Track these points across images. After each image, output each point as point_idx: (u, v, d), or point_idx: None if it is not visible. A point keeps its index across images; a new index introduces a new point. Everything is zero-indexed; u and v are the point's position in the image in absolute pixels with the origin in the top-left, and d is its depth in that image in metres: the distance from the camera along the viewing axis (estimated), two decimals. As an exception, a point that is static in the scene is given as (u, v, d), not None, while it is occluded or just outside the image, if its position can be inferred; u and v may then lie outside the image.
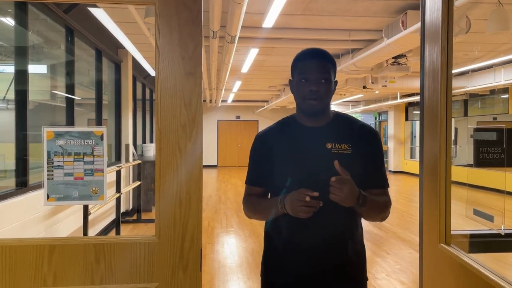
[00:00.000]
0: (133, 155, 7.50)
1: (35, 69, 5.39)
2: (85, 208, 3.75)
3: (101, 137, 1.40)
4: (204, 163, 17.62)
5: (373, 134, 1.51)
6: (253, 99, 15.71)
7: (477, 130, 1.63)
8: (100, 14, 4.20)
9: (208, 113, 17.55)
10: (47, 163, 1.36)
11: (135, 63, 7.72)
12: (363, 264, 1.52)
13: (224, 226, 6.23)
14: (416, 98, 11.80)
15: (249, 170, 1.59)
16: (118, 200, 5.14)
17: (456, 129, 13.22)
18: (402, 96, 12.50)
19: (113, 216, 5.47)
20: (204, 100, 15.14)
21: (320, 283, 1.43)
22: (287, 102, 13.50)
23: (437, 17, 1.39)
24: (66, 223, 4.05)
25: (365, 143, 1.46)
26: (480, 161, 1.62)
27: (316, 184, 1.32)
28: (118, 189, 5.12)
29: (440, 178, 1.39)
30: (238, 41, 5.54)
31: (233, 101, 15.59)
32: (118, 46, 6.75)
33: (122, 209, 6.88)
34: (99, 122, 5.72)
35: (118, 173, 5.13)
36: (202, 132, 1.48)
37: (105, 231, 5.56)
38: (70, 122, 4.56)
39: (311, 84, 1.38)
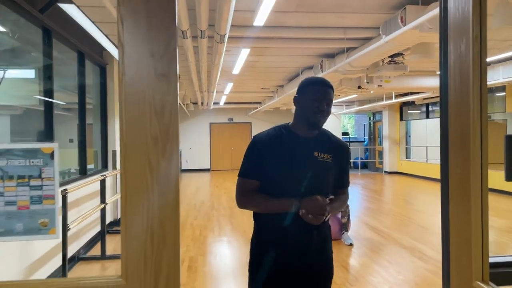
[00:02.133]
0: (121, 161, 7.18)
1: (22, 73, 5.11)
2: (64, 222, 3.45)
3: (51, 156, 1.12)
4: (197, 167, 17.33)
5: (346, 147, 1.88)
6: (246, 101, 15.45)
7: (510, 138, 1.37)
8: (76, 14, 3.91)
9: (200, 116, 17.26)
10: (-19, 190, 1.08)
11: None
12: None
13: (217, 235, 5.95)
14: (411, 98, 11.62)
15: (245, 164, 1.77)
16: (103, 212, 4.84)
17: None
18: (397, 96, 12.30)
19: (99, 228, 5.16)
20: (196, 103, 14.85)
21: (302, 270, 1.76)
22: (280, 103, 13.25)
23: (465, 2, 1.14)
24: (41, 243, 3.75)
25: (340, 154, 1.81)
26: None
27: (303, 184, 1.66)
28: (102, 200, 4.82)
29: (474, 201, 1.13)
30: (228, 40, 5.27)
31: (226, 103, 15.32)
32: (103, 48, 6.45)
33: (110, 219, 6.59)
34: (82, 127, 5.42)
35: (103, 183, 4.83)
36: (178, 147, 1.19)
37: (90, 243, 5.25)
38: (48, 129, 4.26)
39: (322, 104, 1.71)
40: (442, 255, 1.38)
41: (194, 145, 17.30)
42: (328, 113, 1.72)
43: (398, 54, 6.14)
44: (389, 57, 6.21)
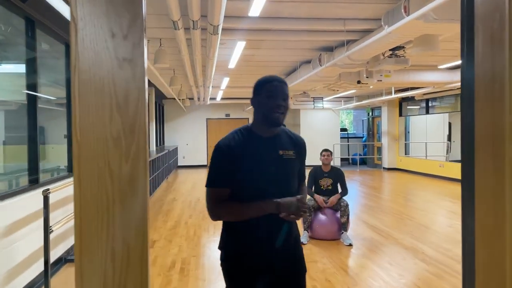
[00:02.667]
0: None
1: (14, 68, 4.90)
2: (45, 224, 3.23)
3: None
4: (194, 163, 17.12)
5: (303, 141, 1.92)
6: (243, 96, 15.22)
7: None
8: (58, 3, 3.68)
9: (197, 111, 17.02)
10: None
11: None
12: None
13: (212, 235, 5.74)
14: (411, 93, 11.41)
15: (213, 173, 1.74)
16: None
17: (450, 124, 12.89)
18: (397, 91, 12.10)
19: None
20: (192, 98, 14.61)
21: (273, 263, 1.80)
22: (277, 99, 13.04)
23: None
24: (25, 242, 3.54)
25: (300, 150, 1.86)
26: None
27: (273, 185, 1.71)
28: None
29: (510, 212, 0.92)
30: (222, 33, 5.04)
31: (222, 98, 15.09)
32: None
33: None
34: (70, 122, 5.19)
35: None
36: (146, 147, 0.98)
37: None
38: (32, 124, 4.04)
39: (279, 100, 1.71)
40: (463, 277, 1.17)
41: (191, 141, 17.08)
42: (286, 108, 1.73)
43: (399, 48, 5.92)
44: (389, 50, 6.00)
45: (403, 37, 4.43)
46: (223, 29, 5.12)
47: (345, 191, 5.39)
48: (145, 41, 0.96)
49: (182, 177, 13.60)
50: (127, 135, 0.93)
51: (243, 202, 1.69)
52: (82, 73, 0.91)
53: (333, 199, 5.26)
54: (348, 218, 5.26)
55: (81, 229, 0.93)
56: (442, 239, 5.37)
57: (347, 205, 5.25)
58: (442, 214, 7.11)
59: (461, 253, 1.21)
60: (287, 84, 1.79)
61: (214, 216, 1.75)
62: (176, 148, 16.49)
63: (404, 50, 6.24)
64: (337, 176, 5.45)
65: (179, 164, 17.00)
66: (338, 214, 5.31)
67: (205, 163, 17.39)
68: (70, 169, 5.16)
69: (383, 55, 6.35)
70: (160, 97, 14.55)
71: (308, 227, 5.33)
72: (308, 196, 5.47)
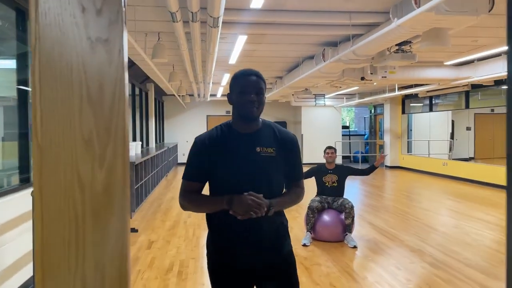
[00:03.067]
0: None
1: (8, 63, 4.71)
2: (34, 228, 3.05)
3: None
4: (194, 161, 16.91)
5: (293, 139, 1.83)
6: (244, 93, 15.00)
7: None
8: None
9: (197, 108, 16.82)
10: None
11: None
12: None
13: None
14: (415, 90, 11.21)
15: (189, 167, 1.78)
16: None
17: (453, 121, 12.69)
18: (400, 88, 11.90)
19: None
20: (192, 95, 14.41)
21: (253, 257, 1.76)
22: (279, 95, 12.83)
23: None
24: (12, 248, 3.35)
25: (287, 146, 1.78)
26: None
27: (249, 182, 1.66)
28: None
29: None
30: (223, 26, 4.85)
31: (223, 95, 14.87)
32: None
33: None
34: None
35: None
36: (126, 152, 0.79)
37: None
38: (24, 120, 3.85)
39: (250, 95, 1.68)
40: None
41: (191, 138, 16.71)
42: (259, 102, 1.70)
43: (406, 42, 5.72)
44: (396, 45, 5.79)
45: (413, 31, 4.24)
46: (223, 22, 4.92)
47: (367, 170, 5.38)
48: (124, 17, 0.77)
49: (181, 175, 13.41)
50: (102, 136, 0.74)
51: (217, 196, 1.71)
52: (44, 56, 0.72)
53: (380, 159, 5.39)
54: (353, 220, 5.07)
55: (43, 252, 0.75)
56: (450, 241, 5.19)
57: (352, 207, 5.07)
58: (447, 214, 6.93)
59: (506, 266, 1.00)
60: (262, 78, 1.75)
61: (181, 206, 1.79)
62: (176, 145, 16.31)
63: (410, 46, 6.04)
64: (342, 171, 5.27)
65: (179, 161, 16.82)
66: (343, 216, 5.13)
67: (205, 161, 17.18)
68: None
69: (389, 50, 6.15)
70: (159, 93, 14.35)
71: (311, 228, 5.15)
72: (312, 198, 5.28)
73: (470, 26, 5.32)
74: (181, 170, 14.77)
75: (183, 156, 16.99)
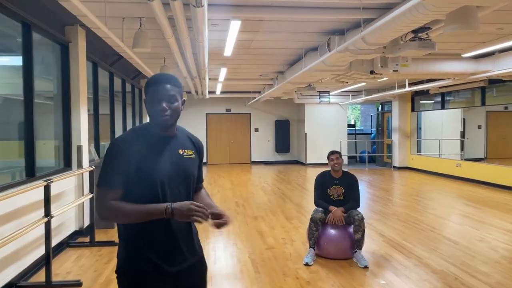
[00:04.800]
0: (94, 159, 6.10)
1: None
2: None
3: None
4: (192, 161, 16.24)
5: (201, 143, 1.90)
6: (244, 90, 14.30)
7: None
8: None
9: (196, 106, 16.12)
10: None
11: (96, 44, 6.29)
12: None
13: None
14: (427, 86, 10.44)
15: (108, 172, 1.63)
16: (47, 227, 3.74)
17: (464, 120, 11.92)
18: (410, 84, 11.12)
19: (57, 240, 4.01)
20: (190, 92, 13.70)
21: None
22: (280, 92, 12.10)
23: None
24: None
25: (199, 150, 1.86)
26: None
27: (173, 184, 1.69)
28: (47, 211, 3.72)
29: None
30: (211, 9, 4.15)
31: (222, 92, 14.17)
32: (63, 22, 5.33)
33: (75, 227, 5.52)
34: (28, 116, 4.30)
35: (47, 190, 3.73)
36: None
37: (36, 266, 4.16)
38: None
39: (161, 104, 1.66)
40: None
41: (190, 137, 16.16)
42: (174, 110, 1.68)
43: (424, 29, 4.97)
44: (412, 32, 5.04)
45: (437, 10, 3.49)
46: (211, 5, 4.22)
47: (355, 203, 4.46)
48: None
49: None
50: None
51: (135, 202, 1.61)
52: None
53: (338, 213, 4.32)
54: (363, 234, 4.34)
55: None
56: (476, 259, 4.45)
57: (362, 219, 4.34)
58: (467, 223, 6.18)
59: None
60: (176, 83, 1.71)
61: (108, 216, 1.66)
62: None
63: (427, 34, 5.29)
64: (350, 183, 4.53)
65: (177, 162, 16.14)
66: (351, 229, 4.41)
67: (205, 161, 16.51)
68: (29, 172, 4.28)
69: (402, 39, 5.40)
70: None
71: (315, 243, 4.43)
72: (316, 207, 4.57)
73: (497, 10, 4.57)
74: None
75: (181, 156, 16.31)
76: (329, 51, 5.60)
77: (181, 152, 1.73)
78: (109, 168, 1.62)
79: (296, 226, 6.03)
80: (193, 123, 16.14)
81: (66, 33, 5.40)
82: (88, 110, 6.13)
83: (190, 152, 1.77)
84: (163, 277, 1.67)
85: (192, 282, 1.77)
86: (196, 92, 13.22)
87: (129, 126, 9.76)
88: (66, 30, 5.41)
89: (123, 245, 1.70)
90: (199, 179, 1.88)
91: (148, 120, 1.80)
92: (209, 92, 13.70)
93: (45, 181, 3.71)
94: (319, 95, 15.05)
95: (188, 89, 12.54)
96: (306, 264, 4.26)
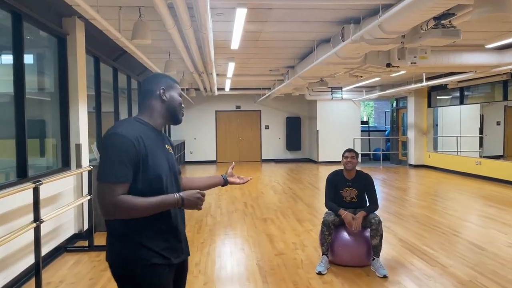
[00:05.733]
0: (96, 159, 5.81)
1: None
2: None
3: None
4: (202, 159, 15.99)
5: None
6: (254, 86, 13.94)
7: None
8: None
9: (205, 103, 15.81)
10: None
11: (97, 38, 5.98)
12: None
13: (206, 254, 4.54)
14: (445, 80, 9.96)
15: (118, 166, 1.55)
16: (36, 233, 3.44)
17: (482, 116, 11.39)
18: (427, 79, 10.63)
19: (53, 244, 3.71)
20: (198, 89, 13.40)
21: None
22: (291, 88, 11.70)
23: None
24: None
25: (172, 144, 1.91)
26: None
27: (171, 177, 1.74)
28: (36, 216, 3.42)
29: None
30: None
31: (231, 89, 13.83)
32: (61, 13, 5.03)
33: (74, 230, 5.23)
34: (20, 113, 4.01)
35: (36, 192, 3.43)
36: None
37: (27, 274, 3.86)
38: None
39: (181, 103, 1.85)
40: None
41: (199, 135, 15.90)
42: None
43: (447, 15, 4.55)
44: (433, 19, 4.63)
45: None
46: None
47: (373, 206, 4.08)
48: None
49: (189, 174, 12.37)
50: None
51: (145, 196, 1.58)
52: None
53: (359, 220, 3.94)
54: (381, 239, 3.96)
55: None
56: (507, 268, 4.03)
57: (379, 222, 3.95)
58: (493, 226, 5.74)
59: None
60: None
61: (108, 214, 1.57)
62: (183, 142, 15.35)
63: (450, 21, 4.87)
64: (365, 185, 4.14)
65: (186, 160, 15.88)
66: (368, 233, 4.03)
67: (214, 159, 16.21)
68: (20, 173, 3.99)
69: (422, 28, 4.98)
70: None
71: (328, 250, 4.06)
72: (327, 210, 4.19)
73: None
74: (188, 169, 13.85)
75: (190, 154, 16.05)
76: (343, 41, 5.20)
77: (167, 147, 1.80)
78: (117, 161, 1.54)
79: (308, 229, 5.66)
80: (202, 120, 15.85)
81: (64, 25, 5.11)
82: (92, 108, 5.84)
83: (170, 147, 1.84)
84: (172, 269, 1.70)
85: (184, 274, 1.84)
86: (205, 88, 12.90)
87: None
88: (64, 22, 5.12)
89: (121, 242, 1.63)
90: (179, 171, 1.94)
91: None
92: (218, 89, 13.39)
93: (33, 182, 3.41)
94: (331, 91, 14.61)
95: (197, 85, 12.23)
96: (319, 273, 3.89)
